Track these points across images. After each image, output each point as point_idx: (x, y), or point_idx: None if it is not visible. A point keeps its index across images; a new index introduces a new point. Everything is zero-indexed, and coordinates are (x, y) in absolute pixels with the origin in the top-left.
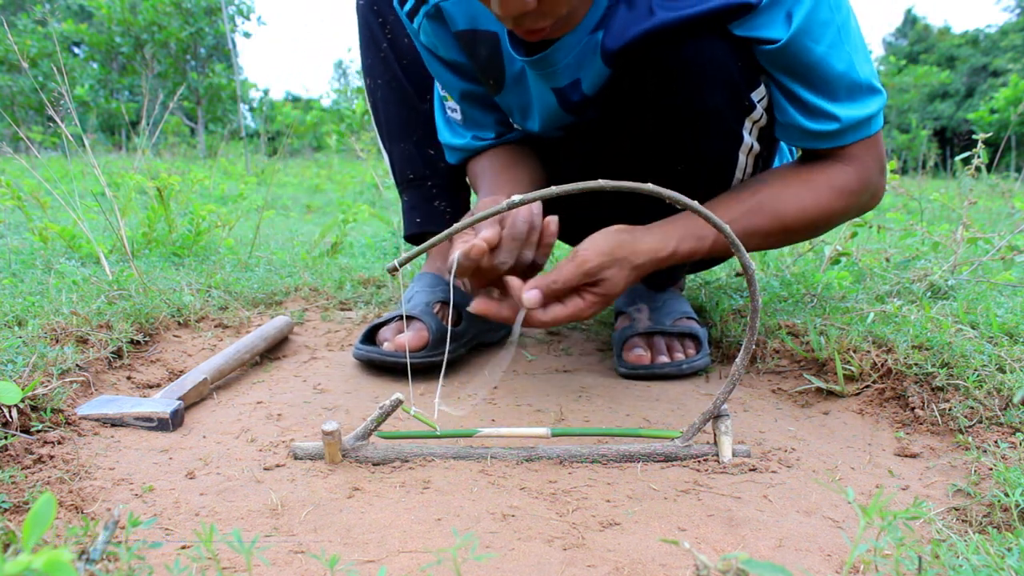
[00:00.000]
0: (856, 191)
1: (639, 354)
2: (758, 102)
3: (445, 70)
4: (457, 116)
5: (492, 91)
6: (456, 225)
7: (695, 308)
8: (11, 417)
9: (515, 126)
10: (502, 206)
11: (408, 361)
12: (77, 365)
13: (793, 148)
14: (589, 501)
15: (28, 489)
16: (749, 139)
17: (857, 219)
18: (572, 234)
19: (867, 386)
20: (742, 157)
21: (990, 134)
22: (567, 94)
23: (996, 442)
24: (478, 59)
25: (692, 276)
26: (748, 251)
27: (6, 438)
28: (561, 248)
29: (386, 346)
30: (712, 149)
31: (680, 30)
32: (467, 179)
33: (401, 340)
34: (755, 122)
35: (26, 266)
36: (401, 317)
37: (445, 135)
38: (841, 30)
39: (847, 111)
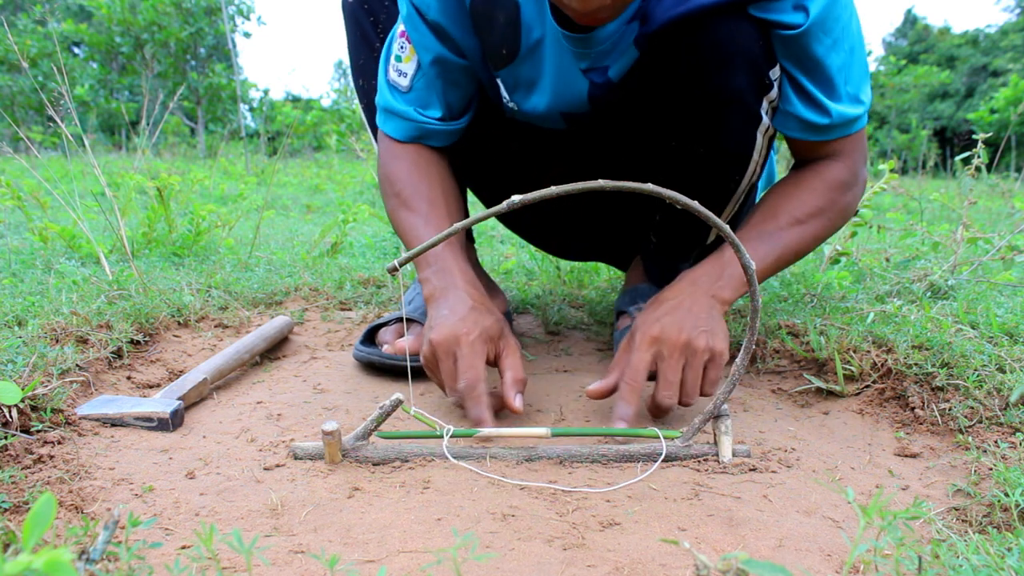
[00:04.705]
0: (848, 182)
1: None
2: (774, 80)
3: (428, 32)
4: (403, 83)
5: (502, 62)
6: (456, 225)
7: None
8: (11, 417)
9: (457, 120)
10: (502, 207)
11: (408, 364)
12: (77, 365)
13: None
14: (589, 501)
15: (28, 489)
16: (766, 119)
17: (857, 219)
18: (573, 233)
19: (867, 386)
20: (759, 137)
21: (990, 134)
22: (591, 77)
23: (996, 442)
24: (493, 27)
25: None
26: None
27: (6, 438)
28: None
29: (386, 348)
30: (735, 129)
31: (713, 12)
32: (386, 172)
33: (401, 344)
34: (771, 102)
35: (26, 266)
36: (401, 319)
37: (386, 97)
38: (845, 29)
39: (838, 107)
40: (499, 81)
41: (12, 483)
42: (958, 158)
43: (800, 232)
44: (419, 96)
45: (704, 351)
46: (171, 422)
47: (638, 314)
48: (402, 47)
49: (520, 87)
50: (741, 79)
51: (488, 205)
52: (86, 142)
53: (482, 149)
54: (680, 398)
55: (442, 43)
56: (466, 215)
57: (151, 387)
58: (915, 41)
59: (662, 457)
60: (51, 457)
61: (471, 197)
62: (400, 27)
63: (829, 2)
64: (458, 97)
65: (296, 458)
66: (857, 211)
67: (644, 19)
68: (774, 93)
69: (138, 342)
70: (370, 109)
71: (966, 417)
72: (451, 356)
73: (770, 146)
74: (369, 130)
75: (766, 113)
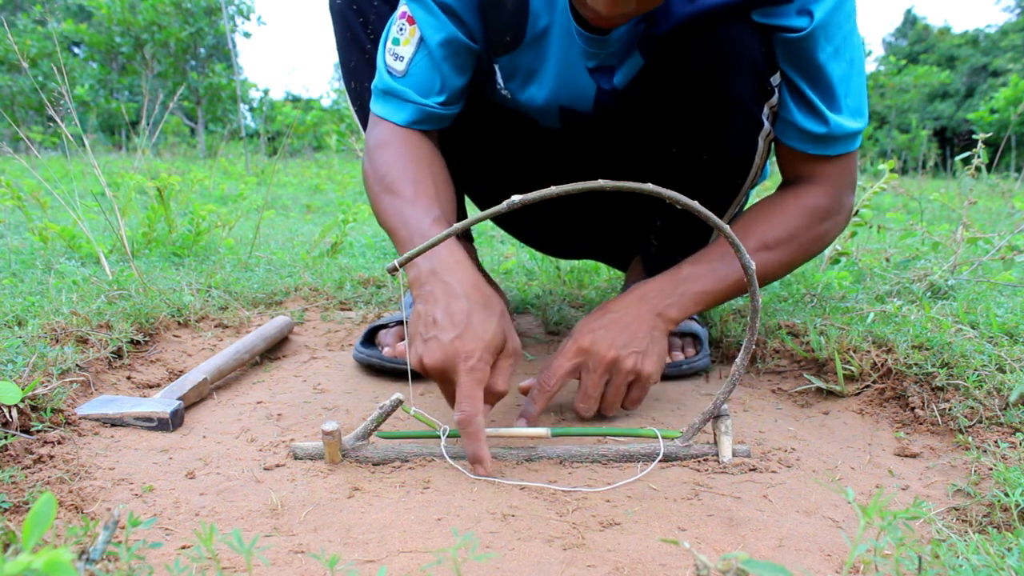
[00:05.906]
0: (828, 210)
1: None
2: (776, 86)
3: (441, 12)
4: (399, 67)
5: (503, 49)
6: (456, 226)
7: None
8: (11, 417)
9: (455, 105)
10: (502, 207)
11: (408, 367)
12: (77, 365)
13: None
14: (589, 501)
15: (28, 489)
16: (767, 124)
17: (857, 219)
18: (572, 233)
19: (867, 386)
20: (761, 142)
21: (990, 134)
22: (598, 81)
23: (996, 442)
24: (501, 12)
25: None
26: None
27: (6, 438)
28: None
29: (386, 351)
30: (737, 133)
31: (715, 16)
32: (375, 159)
33: (401, 348)
34: (772, 107)
35: (26, 266)
36: (401, 322)
37: (385, 79)
38: (847, 39)
39: (838, 118)
40: (496, 67)
41: (12, 483)
42: (958, 158)
43: (766, 258)
44: (416, 80)
45: (629, 372)
46: (171, 422)
47: (580, 320)
48: (401, 29)
49: (517, 76)
50: (743, 83)
51: (480, 202)
52: (86, 142)
53: (471, 137)
54: (599, 411)
55: (455, 24)
56: (456, 199)
57: (151, 387)
58: (915, 41)
59: (661, 457)
60: (51, 457)
61: (468, 200)
62: (402, 8)
63: (834, 9)
64: (460, 82)
65: (296, 458)
66: (858, 211)
67: (650, 22)
68: (775, 99)
69: (138, 342)
70: (363, 111)
71: (966, 417)
72: (448, 381)
73: (769, 150)
74: (363, 132)
75: (767, 119)
